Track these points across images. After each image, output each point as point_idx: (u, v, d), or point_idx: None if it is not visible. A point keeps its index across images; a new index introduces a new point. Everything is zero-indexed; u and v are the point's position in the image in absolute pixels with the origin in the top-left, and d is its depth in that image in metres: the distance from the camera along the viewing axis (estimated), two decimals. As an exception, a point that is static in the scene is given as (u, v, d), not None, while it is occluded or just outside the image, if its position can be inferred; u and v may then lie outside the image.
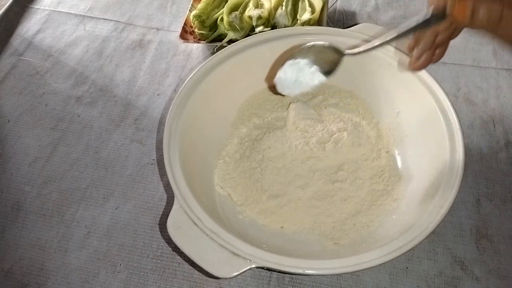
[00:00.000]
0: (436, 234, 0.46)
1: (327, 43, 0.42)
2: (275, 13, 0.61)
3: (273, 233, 0.45)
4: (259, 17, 0.59)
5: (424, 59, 0.40)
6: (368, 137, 0.51)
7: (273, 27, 0.61)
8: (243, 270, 0.35)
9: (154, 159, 0.54)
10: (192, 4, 0.64)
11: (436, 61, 0.40)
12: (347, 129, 0.51)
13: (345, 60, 0.43)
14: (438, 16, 0.34)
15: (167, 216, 0.38)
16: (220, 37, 0.61)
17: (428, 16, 0.34)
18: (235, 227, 0.44)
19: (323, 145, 0.49)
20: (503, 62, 0.59)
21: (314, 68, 0.43)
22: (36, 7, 0.74)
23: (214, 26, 0.62)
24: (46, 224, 0.50)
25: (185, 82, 0.47)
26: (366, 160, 0.49)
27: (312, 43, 0.43)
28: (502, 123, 0.53)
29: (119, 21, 0.70)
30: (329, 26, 0.62)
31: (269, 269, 0.44)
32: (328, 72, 0.43)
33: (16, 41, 0.69)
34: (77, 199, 0.52)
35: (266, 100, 0.54)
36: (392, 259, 0.35)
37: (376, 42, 0.40)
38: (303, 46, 0.43)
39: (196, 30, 0.61)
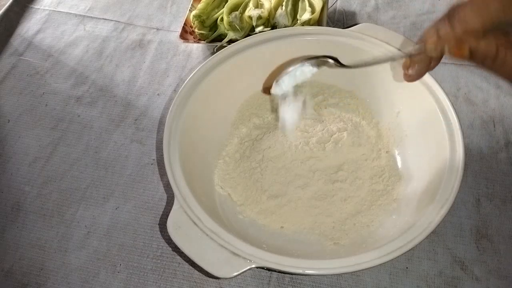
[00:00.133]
0: (436, 234, 0.46)
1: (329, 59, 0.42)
2: (275, 13, 0.61)
3: (273, 233, 0.45)
4: (259, 17, 0.59)
5: (417, 73, 0.41)
6: (368, 137, 0.51)
7: (273, 27, 0.61)
8: (243, 270, 0.35)
9: (154, 159, 0.54)
10: (192, 4, 0.64)
11: (431, 70, 0.41)
12: (347, 129, 0.51)
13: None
14: (437, 54, 0.35)
15: (167, 216, 0.38)
16: (220, 37, 0.61)
17: (427, 53, 0.36)
18: (235, 227, 0.44)
19: (323, 145, 0.49)
20: (503, 62, 0.59)
21: (307, 65, 0.43)
22: (36, 7, 0.74)
23: (214, 26, 0.62)
24: (46, 224, 0.50)
25: (185, 82, 0.47)
26: (366, 160, 0.49)
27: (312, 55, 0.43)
28: (502, 123, 0.53)
29: (119, 21, 0.70)
30: (329, 26, 0.62)
31: (269, 269, 0.44)
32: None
33: (16, 41, 0.69)
34: (77, 199, 0.52)
35: (266, 100, 0.54)
36: (392, 259, 0.35)
37: (370, 59, 0.41)
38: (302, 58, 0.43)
39: (196, 30, 0.61)
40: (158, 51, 0.66)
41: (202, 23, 0.61)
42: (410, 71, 0.40)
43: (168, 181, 0.40)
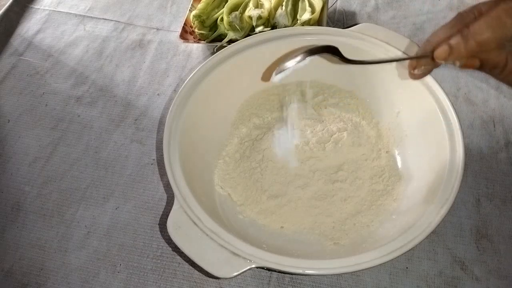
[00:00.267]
0: (436, 234, 0.46)
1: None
2: (275, 13, 0.61)
3: (273, 233, 0.45)
4: (259, 17, 0.59)
5: (424, 72, 0.42)
6: (368, 137, 0.51)
7: (273, 27, 0.61)
8: (243, 270, 0.35)
9: (154, 159, 0.54)
10: (192, 4, 0.64)
11: (436, 67, 0.42)
12: (347, 129, 0.51)
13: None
14: (447, 63, 0.36)
15: (167, 216, 0.38)
16: (220, 37, 0.61)
17: (436, 59, 0.36)
18: (235, 227, 0.44)
19: (323, 145, 0.49)
20: (503, 62, 0.59)
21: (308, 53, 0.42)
22: (36, 7, 0.74)
23: (214, 26, 0.62)
24: (46, 224, 0.50)
25: (185, 82, 0.47)
26: (366, 160, 0.49)
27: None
28: (502, 123, 0.53)
29: (119, 21, 0.70)
30: (329, 26, 0.62)
31: (269, 269, 0.44)
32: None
33: (16, 41, 0.69)
34: (77, 199, 0.52)
35: (266, 100, 0.54)
36: (392, 259, 0.35)
37: (376, 59, 0.43)
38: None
39: (196, 30, 0.61)
40: (158, 51, 0.66)
41: (202, 23, 0.61)
42: (416, 71, 0.41)
43: (168, 181, 0.40)
